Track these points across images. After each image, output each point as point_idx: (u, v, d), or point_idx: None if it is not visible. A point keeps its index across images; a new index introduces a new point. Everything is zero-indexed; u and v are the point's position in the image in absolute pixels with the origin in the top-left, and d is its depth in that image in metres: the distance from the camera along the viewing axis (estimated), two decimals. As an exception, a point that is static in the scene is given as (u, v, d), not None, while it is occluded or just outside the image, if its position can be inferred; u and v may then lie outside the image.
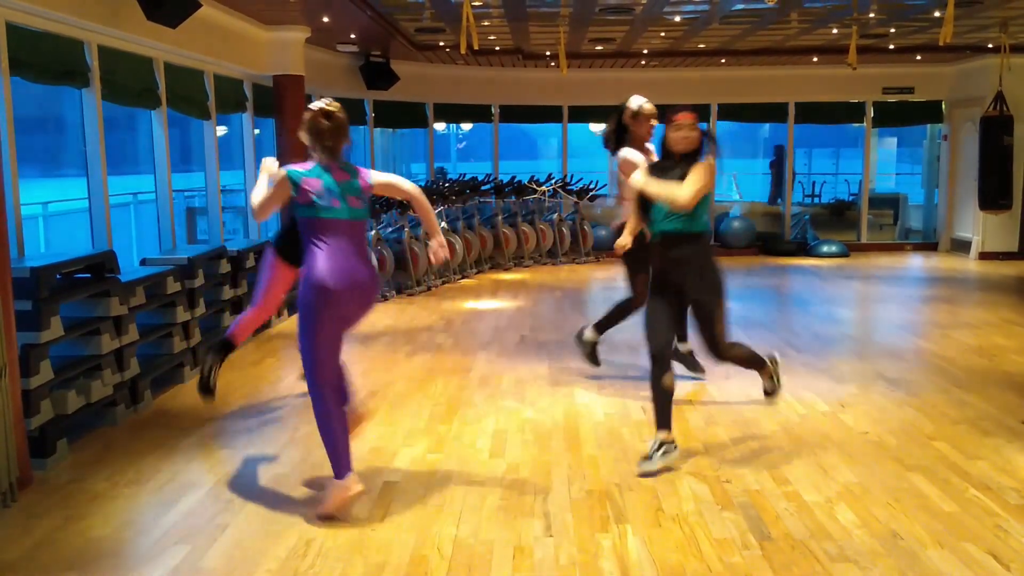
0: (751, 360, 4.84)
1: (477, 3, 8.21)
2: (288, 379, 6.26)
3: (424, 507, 3.94)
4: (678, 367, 5.65)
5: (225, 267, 7.04)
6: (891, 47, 11.34)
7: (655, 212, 4.49)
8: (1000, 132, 11.75)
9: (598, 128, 17.53)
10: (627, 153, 5.53)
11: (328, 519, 3.79)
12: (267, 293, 5.03)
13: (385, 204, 9.79)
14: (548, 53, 11.78)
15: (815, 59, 12.19)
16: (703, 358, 5.47)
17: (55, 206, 11.02)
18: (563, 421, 5.21)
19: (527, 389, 5.92)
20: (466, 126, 17.83)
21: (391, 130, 14.82)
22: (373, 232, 9.53)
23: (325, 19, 8.86)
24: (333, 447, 3.85)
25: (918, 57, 12.21)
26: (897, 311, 8.93)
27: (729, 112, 13.64)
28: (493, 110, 13.71)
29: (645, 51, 11.86)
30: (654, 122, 5.65)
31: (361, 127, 12.28)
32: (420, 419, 5.26)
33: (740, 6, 8.69)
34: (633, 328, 7.82)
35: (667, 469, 4.31)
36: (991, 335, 7.46)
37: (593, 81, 13.42)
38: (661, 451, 4.32)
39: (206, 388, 4.76)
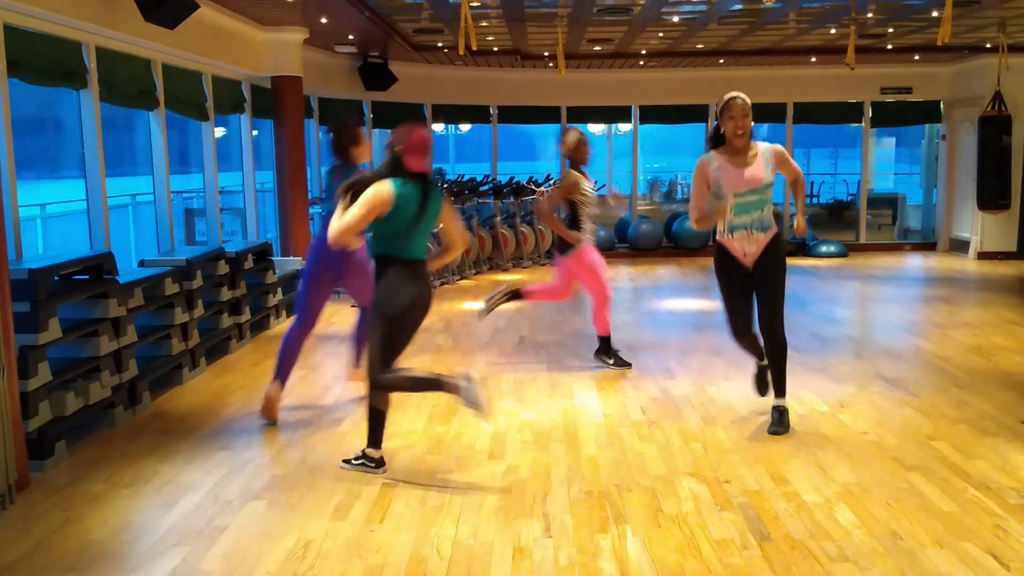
0: None
1: (475, 4, 8.21)
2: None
3: (423, 508, 3.93)
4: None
5: (223, 268, 7.03)
6: (889, 47, 11.35)
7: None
8: (999, 132, 11.76)
9: (597, 129, 17.57)
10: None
11: None
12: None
13: None
14: (546, 54, 11.78)
15: (813, 59, 12.20)
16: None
17: (53, 208, 11.00)
18: (562, 422, 5.21)
19: (526, 390, 5.92)
20: (464, 127, 17.81)
21: (390, 131, 14.81)
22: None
23: (323, 20, 8.86)
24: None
25: (916, 57, 12.22)
26: (896, 311, 8.93)
27: (728, 112, 13.62)
28: (491, 111, 13.71)
29: (643, 51, 11.86)
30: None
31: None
32: (419, 420, 5.26)
33: (738, 6, 8.69)
34: (632, 328, 7.84)
35: None
36: (990, 335, 7.46)
37: (591, 82, 13.42)
38: None
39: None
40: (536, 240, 12.43)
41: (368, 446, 4.41)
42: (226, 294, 7.10)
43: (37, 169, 19.31)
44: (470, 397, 4.08)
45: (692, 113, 13.91)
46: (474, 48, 7.59)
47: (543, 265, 12.30)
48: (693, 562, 3.37)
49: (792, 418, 5.15)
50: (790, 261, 13.45)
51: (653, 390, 5.85)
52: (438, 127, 15.55)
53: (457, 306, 9.25)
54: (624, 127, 15.73)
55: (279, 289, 8.41)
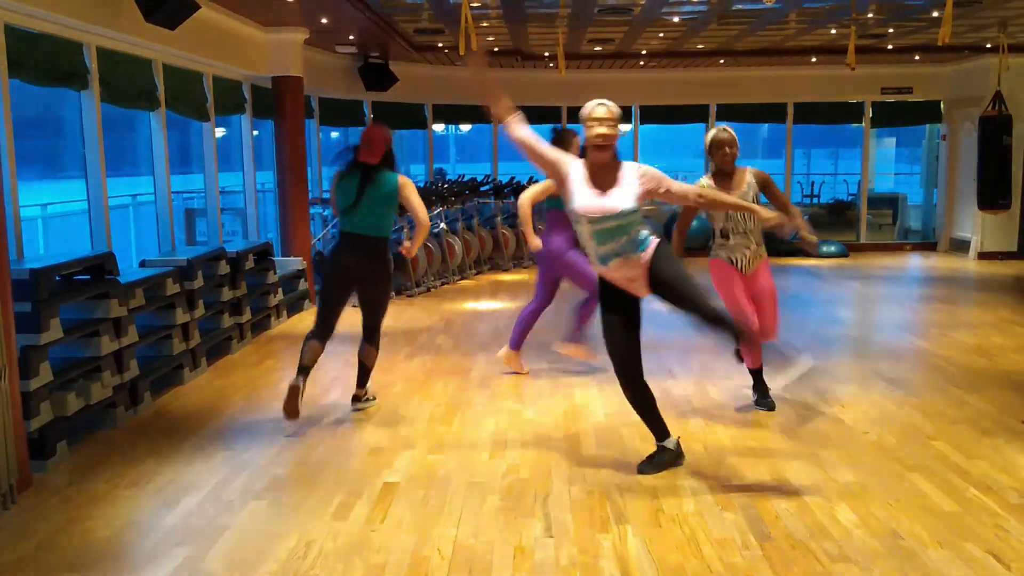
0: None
1: (476, 4, 8.22)
2: (287, 379, 6.24)
3: (424, 508, 3.93)
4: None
5: (224, 268, 7.04)
6: (890, 47, 11.35)
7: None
8: (999, 132, 11.75)
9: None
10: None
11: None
12: None
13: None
14: (547, 54, 11.79)
15: (814, 59, 12.19)
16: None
17: (54, 208, 11.02)
18: (563, 422, 5.21)
19: (527, 390, 5.92)
20: (465, 127, 17.82)
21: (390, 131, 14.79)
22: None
23: (324, 20, 8.86)
24: None
25: (917, 57, 12.22)
26: (896, 311, 8.94)
27: (727, 113, 13.63)
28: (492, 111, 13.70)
29: (644, 52, 11.86)
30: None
31: (359, 128, 12.27)
32: (420, 420, 5.26)
33: (739, 6, 8.70)
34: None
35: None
36: (990, 335, 7.46)
37: (592, 82, 13.40)
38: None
39: None
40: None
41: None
42: (227, 294, 7.11)
43: (38, 169, 19.33)
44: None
45: (693, 113, 13.91)
46: (475, 48, 7.59)
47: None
48: (694, 562, 3.38)
49: (793, 418, 5.16)
50: (789, 261, 13.40)
51: (654, 390, 5.78)
52: (439, 127, 15.56)
53: (458, 306, 9.25)
54: (624, 127, 15.74)
55: (280, 289, 8.41)
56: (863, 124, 13.86)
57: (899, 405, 5.42)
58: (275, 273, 8.26)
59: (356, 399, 5.56)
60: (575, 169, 4.17)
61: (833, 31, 10.07)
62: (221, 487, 4.23)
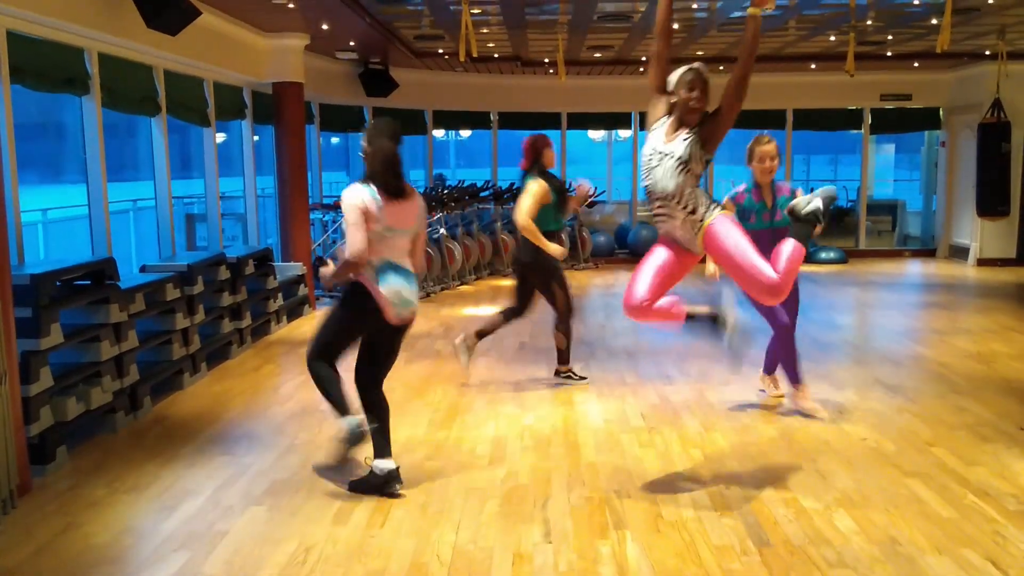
0: None
1: (476, 11, 8.24)
2: (287, 385, 6.27)
3: (424, 513, 3.94)
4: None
5: (224, 274, 7.05)
6: (889, 54, 11.38)
7: None
8: (998, 139, 11.78)
9: (597, 135, 17.61)
10: None
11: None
12: None
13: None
14: (547, 60, 11.81)
15: (813, 66, 12.22)
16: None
17: (55, 213, 11.01)
18: (562, 427, 5.22)
19: (526, 395, 5.93)
20: (465, 133, 17.84)
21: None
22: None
23: (324, 26, 8.88)
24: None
25: (916, 64, 12.25)
26: (896, 317, 8.94)
27: (727, 119, 13.65)
28: (492, 117, 13.74)
29: (643, 58, 11.88)
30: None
31: (360, 134, 12.29)
32: (419, 426, 5.27)
33: (738, 13, 8.72)
34: (631, 334, 7.84)
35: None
36: (989, 341, 7.47)
37: (592, 88, 13.46)
38: None
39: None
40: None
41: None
42: (227, 299, 7.12)
43: (39, 174, 19.34)
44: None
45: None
46: (475, 55, 7.61)
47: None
48: (693, 567, 3.38)
49: (792, 424, 5.16)
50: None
51: (653, 396, 5.86)
52: (439, 133, 15.58)
53: (457, 312, 9.26)
54: (624, 133, 15.77)
55: (280, 294, 8.42)
56: (862, 131, 13.88)
57: (898, 411, 5.43)
58: (275, 278, 8.27)
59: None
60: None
61: (832, 38, 10.09)
62: (220, 492, 4.24)
